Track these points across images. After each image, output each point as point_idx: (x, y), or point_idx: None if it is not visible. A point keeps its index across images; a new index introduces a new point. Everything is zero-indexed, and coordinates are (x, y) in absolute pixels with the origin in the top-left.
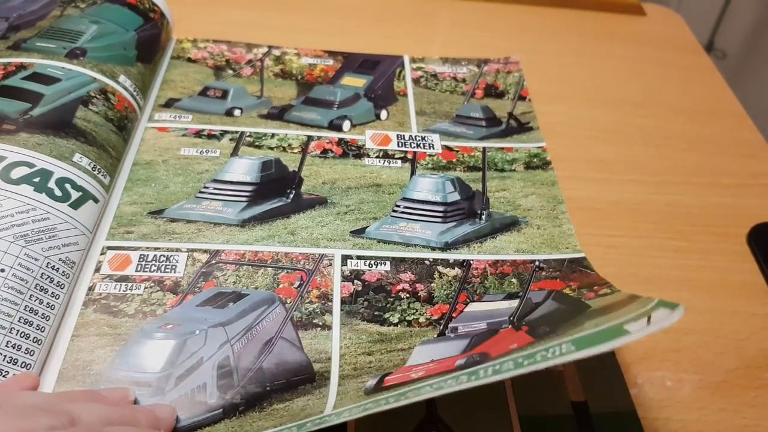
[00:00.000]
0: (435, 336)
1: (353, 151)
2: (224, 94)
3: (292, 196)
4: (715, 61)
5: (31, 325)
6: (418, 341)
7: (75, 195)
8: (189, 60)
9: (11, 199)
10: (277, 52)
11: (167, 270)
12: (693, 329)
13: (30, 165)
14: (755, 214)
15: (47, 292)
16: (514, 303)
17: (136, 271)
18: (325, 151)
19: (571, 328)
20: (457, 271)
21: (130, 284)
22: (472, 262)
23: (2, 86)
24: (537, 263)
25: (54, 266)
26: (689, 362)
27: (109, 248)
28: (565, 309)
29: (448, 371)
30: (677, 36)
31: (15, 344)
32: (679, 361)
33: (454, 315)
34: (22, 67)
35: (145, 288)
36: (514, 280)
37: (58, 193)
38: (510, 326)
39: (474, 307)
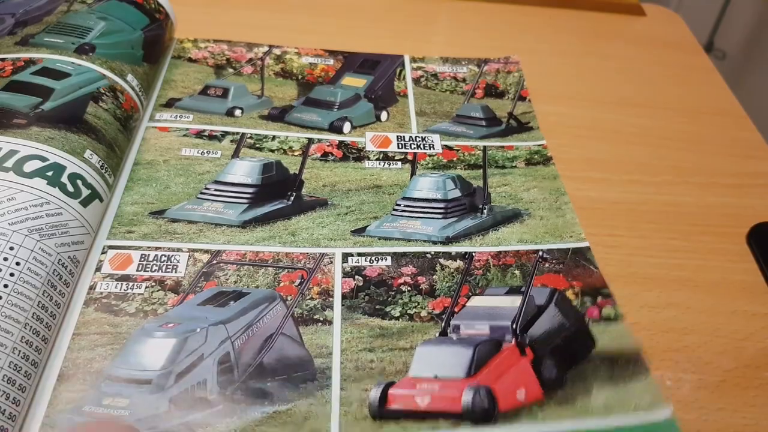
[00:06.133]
0: (437, 334)
1: (353, 154)
2: (225, 93)
3: (292, 198)
4: (714, 61)
5: (42, 322)
6: (420, 339)
7: (85, 192)
8: (190, 60)
9: (25, 192)
10: (277, 51)
11: (168, 270)
12: (692, 329)
13: (43, 159)
14: (755, 214)
15: (56, 289)
16: (517, 301)
17: (137, 270)
18: (325, 154)
19: (578, 382)
20: (459, 263)
21: (131, 283)
22: (474, 254)
23: (12, 81)
24: (540, 253)
25: (64, 263)
26: (689, 362)
27: (110, 247)
28: (569, 331)
29: (454, 413)
30: (677, 36)
31: (28, 340)
32: (678, 361)
33: (456, 310)
34: (31, 62)
35: (146, 287)
36: (516, 271)
37: (70, 188)
38: (513, 340)
39: (476, 301)
